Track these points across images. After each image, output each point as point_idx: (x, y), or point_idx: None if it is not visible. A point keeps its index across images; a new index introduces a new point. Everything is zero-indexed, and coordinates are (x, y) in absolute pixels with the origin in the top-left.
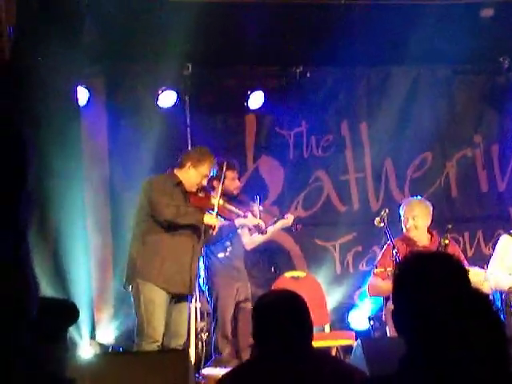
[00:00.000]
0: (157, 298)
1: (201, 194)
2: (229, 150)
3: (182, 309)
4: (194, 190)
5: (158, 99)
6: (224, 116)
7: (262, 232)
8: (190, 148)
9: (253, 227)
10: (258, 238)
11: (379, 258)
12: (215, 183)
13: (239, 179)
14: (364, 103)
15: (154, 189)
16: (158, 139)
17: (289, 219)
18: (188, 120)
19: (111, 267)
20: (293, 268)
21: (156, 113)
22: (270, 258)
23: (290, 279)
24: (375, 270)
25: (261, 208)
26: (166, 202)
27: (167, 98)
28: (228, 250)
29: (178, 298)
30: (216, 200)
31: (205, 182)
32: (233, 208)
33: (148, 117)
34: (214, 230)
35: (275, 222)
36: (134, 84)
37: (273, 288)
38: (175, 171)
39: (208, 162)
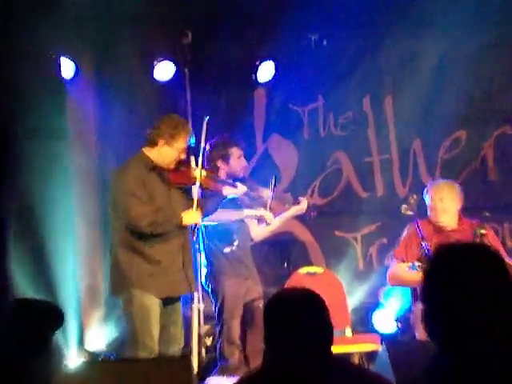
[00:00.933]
0: (150, 304)
1: (181, 168)
2: (235, 129)
3: (176, 308)
4: (172, 166)
5: (153, 72)
6: (229, 91)
7: (266, 224)
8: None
9: (258, 218)
10: (266, 229)
11: (401, 243)
12: (219, 163)
13: (247, 160)
14: (389, 75)
15: (123, 191)
16: (153, 118)
17: (302, 204)
18: (188, 96)
19: (101, 266)
20: (309, 263)
21: (151, 87)
22: (282, 251)
23: (306, 276)
24: (397, 253)
25: (270, 194)
26: (140, 211)
27: (164, 71)
28: (235, 243)
29: (173, 299)
30: (197, 171)
31: (183, 155)
32: (218, 178)
33: (142, 92)
34: (197, 225)
35: (289, 208)
36: (126, 55)
37: (286, 286)
38: (145, 151)
39: (183, 134)
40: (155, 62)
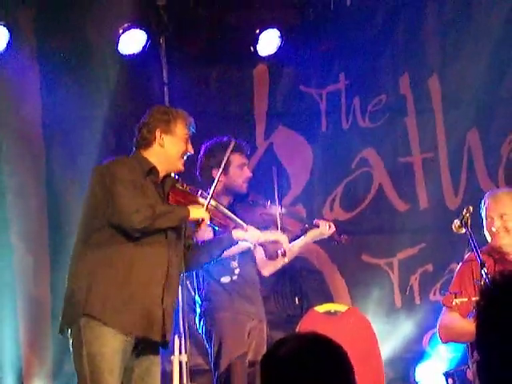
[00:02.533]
0: (110, 345)
1: (182, 188)
2: (228, 118)
3: (151, 363)
4: (179, 167)
5: (118, 43)
6: (220, 68)
7: (281, 254)
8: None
9: (270, 245)
10: (279, 260)
11: (455, 279)
12: (214, 173)
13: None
14: (435, 46)
15: (116, 178)
16: (119, 103)
17: (324, 228)
18: (165, 74)
19: (49, 300)
20: (328, 299)
21: (115, 63)
22: (292, 282)
23: (324, 316)
24: (451, 301)
25: (282, 210)
26: (133, 201)
27: (132, 41)
28: (236, 271)
29: (147, 345)
30: (205, 200)
31: (190, 148)
32: (229, 213)
33: (103, 70)
34: (200, 226)
35: (304, 232)
36: (81, 20)
37: (297, 330)
38: (141, 153)
39: (179, 118)
40: (120, 31)
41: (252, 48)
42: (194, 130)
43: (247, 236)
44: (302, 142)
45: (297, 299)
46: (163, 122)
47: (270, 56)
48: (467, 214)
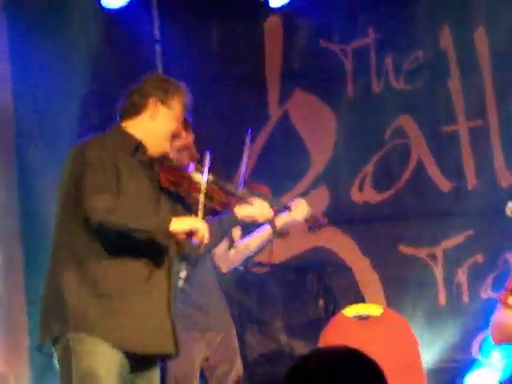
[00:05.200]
0: (104, 363)
1: (172, 164)
2: (233, 83)
3: (153, 374)
4: (166, 148)
5: None
6: (223, 22)
7: (281, 235)
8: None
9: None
10: (241, 250)
11: None
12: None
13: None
14: None
15: (86, 163)
16: (101, 68)
17: (296, 211)
18: (156, 30)
19: (23, 308)
20: (359, 299)
21: (98, 20)
22: (315, 280)
23: (354, 321)
24: (507, 298)
25: (243, 191)
26: (101, 185)
27: None
28: (181, 275)
29: (145, 362)
30: (202, 175)
31: (182, 132)
32: (231, 186)
33: (84, 28)
34: (201, 244)
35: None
36: None
37: (321, 340)
38: (125, 125)
39: (181, 91)
40: None
41: None
42: (187, 118)
43: (254, 212)
44: (323, 108)
45: (321, 301)
46: (161, 90)
47: (283, 6)
48: None
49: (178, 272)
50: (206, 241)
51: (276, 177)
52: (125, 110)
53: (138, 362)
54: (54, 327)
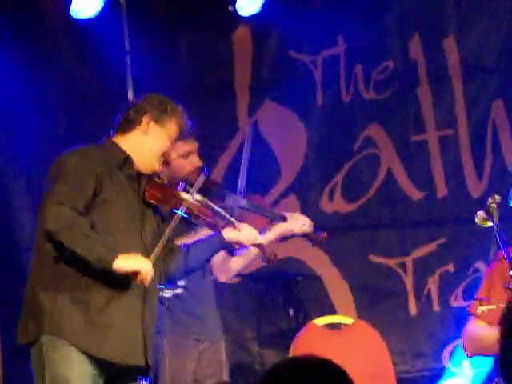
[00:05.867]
0: (77, 370)
1: (161, 181)
2: (202, 93)
3: None
4: (156, 167)
5: (70, 5)
6: (194, 31)
7: (269, 260)
8: (129, 92)
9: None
10: (238, 261)
11: (483, 284)
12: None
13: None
14: (450, 0)
15: (61, 171)
16: (72, 78)
17: (294, 223)
18: (127, 41)
19: None
20: (329, 309)
21: (67, 30)
22: (286, 290)
23: (325, 330)
24: (477, 308)
25: (243, 203)
26: (65, 197)
27: (87, 2)
28: (179, 283)
29: (122, 376)
30: (189, 194)
31: (175, 155)
32: (219, 209)
33: (53, 38)
34: (142, 285)
35: (269, 226)
36: None
37: (292, 350)
38: (117, 139)
39: (179, 114)
40: None
41: (231, 7)
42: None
43: (241, 237)
44: (293, 119)
45: (291, 311)
46: (157, 110)
47: (252, 16)
48: (493, 204)
49: (176, 280)
50: (147, 283)
51: (246, 187)
52: (118, 125)
53: (113, 378)
54: (30, 331)
